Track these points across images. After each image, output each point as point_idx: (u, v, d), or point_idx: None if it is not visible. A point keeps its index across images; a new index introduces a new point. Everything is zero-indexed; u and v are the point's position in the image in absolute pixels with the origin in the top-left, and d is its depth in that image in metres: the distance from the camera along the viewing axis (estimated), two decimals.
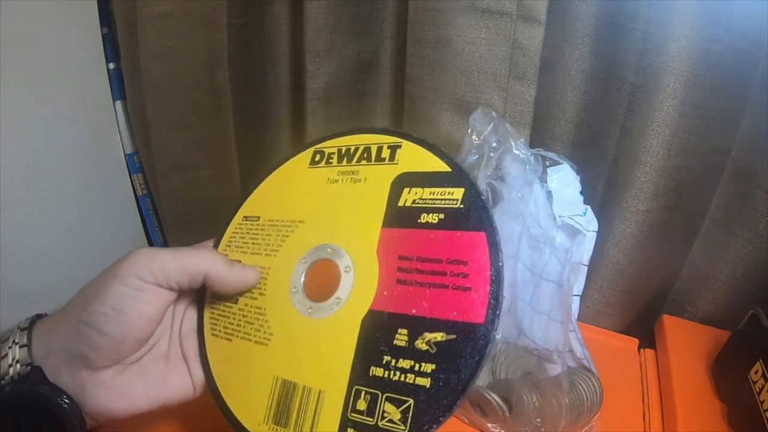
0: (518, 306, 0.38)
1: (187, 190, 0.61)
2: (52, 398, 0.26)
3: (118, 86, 0.59)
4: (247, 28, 0.52)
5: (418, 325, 0.25)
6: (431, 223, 0.27)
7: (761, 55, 0.40)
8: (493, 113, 0.39)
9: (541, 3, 0.42)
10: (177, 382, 0.30)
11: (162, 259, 0.28)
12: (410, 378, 0.24)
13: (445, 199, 0.27)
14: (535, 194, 0.38)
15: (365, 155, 0.31)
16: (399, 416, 0.24)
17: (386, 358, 0.25)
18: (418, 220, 0.27)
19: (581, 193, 0.43)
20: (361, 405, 0.25)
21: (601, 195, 0.49)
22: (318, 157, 0.33)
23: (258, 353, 0.29)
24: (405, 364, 0.24)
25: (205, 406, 0.29)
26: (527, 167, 0.38)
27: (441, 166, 0.29)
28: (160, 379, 0.29)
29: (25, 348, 0.27)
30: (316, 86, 0.51)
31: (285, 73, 0.55)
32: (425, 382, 0.24)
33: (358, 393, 0.25)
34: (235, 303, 0.31)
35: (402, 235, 0.28)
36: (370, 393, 0.25)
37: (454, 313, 0.24)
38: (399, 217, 0.28)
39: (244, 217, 0.34)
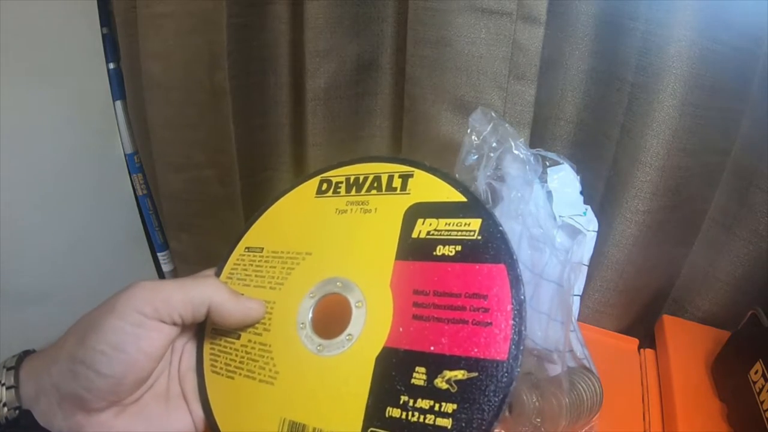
0: None
1: (187, 190, 0.61)
2: None
3: (118, 86, 0.59)
4: (247, 28, 0.52)
5: (437, 363, 0.24)
6: (447, 255, 0.26)
7: (761, 55, 0.39)
8: (493, 113, 0.39)
9: (541, 3, 0.42)
10: (178, 422, 0.28)
11: (164, 291, 0.26)
12: (430, 419, 0.23)
13: (462, 230, 0.26)
14: (535, 194, 0.38)
15: (375, 185, 0.30)
16: None
17: (403, 398, 0.23)
18: (434, 253, 0.26)
19: (581, 193, 0.43)
20: None
21: (601, 195, 0.49)
22: (325, 186, 0.32)
23: (263, 393, 0.27)
24: (424, 404, 0.23)
25: None
26: (527, 167, 0.38)
27: (456, 196, 0.28)
28: (161, 420, 0.27)
29: (13, 389, 0.25)
30: (316, 86, 0.51)
31: (285, 73, 0.55)
32: (446, 423, 0.22)
33: None
34: (238, 339, 0.29)
35: (417, 269, 0.26)
36: None
37: (475, 350, 0.23)
38: (413, 250, 0.27)
39: (246, 248, 0.32)
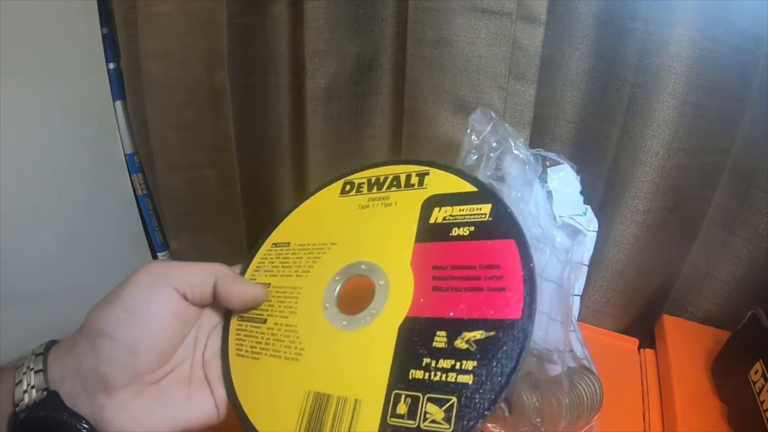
0: None
1: (187, 190, 0.61)
2: (71, 424, 0.25)
3: (118, 86, 0.59)
4: (247, 28, 0.52)
5: (456, 326, 0.25)
6: (462, 235, 0.28)
7: (761, 55, 0.39)
8: (493, 113, 0.39)
9: (541, 3, 0.42)
10: (199, 406, 0.28)
11: (175, 264, 0.29)
12: (452, 377, 0.24)
13: (474, 214, 0.29)
14: (535, 194, 0.38)
15: (395, 183, 0.33)
16: (442, 415, 0.23)
17: (426, 360, 0.25)
18: (450, 234, 0.29)
19: (581, 193, 0.43)
20: (401, 409, 0.24)
21: (601, 195, 0.49)
22: (348, 187, 0.35)
23: (288, 369, 0.28)
24: (446, 363, 0.24)
25: (229, 424, 0.28)
26: (527, 167, 0.38)
27: (468, 187, 0.31)
28: (182, 403, 0.28)
29: (41, 373, 0.26)
30: (316, 86, 0.51)
31: (285, 73, 0.55)
32: (467, 378, 0.24)
33: (397, 397, 0.24)
34: (264, 323, 0.31)
35: (435, 248, 0.29)
36: (411, 396, 0.24)
37: (492, 312, 0.25)
38: (431, 233, 0.30)
39: (273, 244, 0.34)
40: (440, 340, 0.25)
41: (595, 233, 0.44)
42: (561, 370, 0.36)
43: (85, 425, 0.25)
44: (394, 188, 0.33)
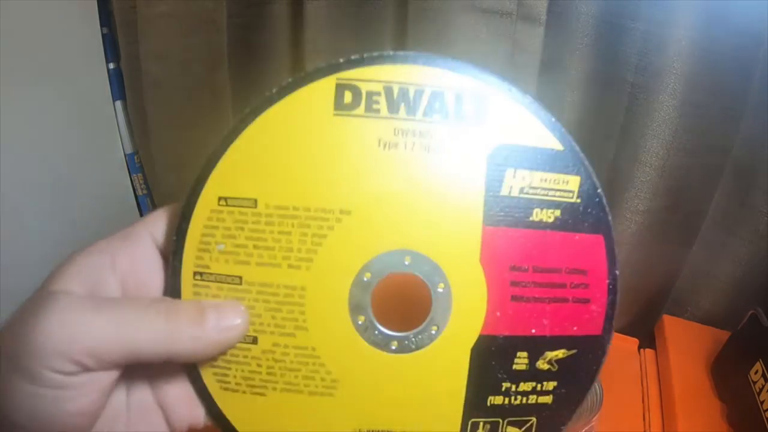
0: None
1: None
2: None
3: (118, 86, 0.59)
4: (247, 28, 0.52)
5: (538, 346, 0.22)
6: (546, 222, 0.21)
7: (761, 55, 0.39)
8: None
9: (541, 3, 0.42)
10: None
11: (91, 333, 0.17)
12: (532, 399, 0.22)
13: (560, 190, 0.22)
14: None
15: (437, 105, 0.20)
16: None
17: (505, 385, 0.22)
18: (530, 218, 0.21)
19: None
20: None
21: None
22: (349, 96, 0.20)
23: (321, 407, 0.22)
24: (526, 387, 0.22)
25: None
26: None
27: (551, 141, 0.21)
28: None
29: None
30: None
31: (285, 72, 0.55)
32: (547, 399, 0.22)
33: (475, 425, 0.22)
34: (254, 343, 0.21)
35: (511, 238, 0.21)
36: (490, 422, 0.23)
37: (575, 328, 0.22)
38: (504, 212, 0.21)
39: (221, 198, 0.21)
40: (521, 362, 0.22)
41: None
42: None
43: None
44: (437, 116, 0.20)
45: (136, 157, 0.63)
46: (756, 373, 0.36)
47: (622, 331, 0.49)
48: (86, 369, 0.17)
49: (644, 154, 0.43)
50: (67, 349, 0.17)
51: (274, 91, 0.20)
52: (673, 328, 0.47)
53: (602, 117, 0.47)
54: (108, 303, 0.18)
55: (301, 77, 0.21)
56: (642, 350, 0.47)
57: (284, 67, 0.54)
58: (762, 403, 0.34)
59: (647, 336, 0.48)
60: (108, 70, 0.58)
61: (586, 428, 0.37)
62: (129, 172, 0.63)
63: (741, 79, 0.41)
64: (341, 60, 0.21)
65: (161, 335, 0.18)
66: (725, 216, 0.46)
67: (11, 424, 0.17)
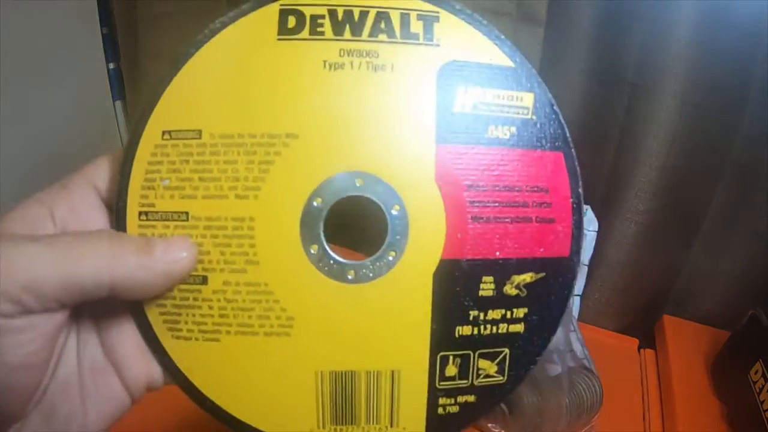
0: None
1: None
2: None
3: (118, 86, 0.59)
4: None
5: (505, 269, 0.21)
6: (502, 139, 0.21)
7: (761, 55, 0.39)
8: None
9: (541, 3, 0.42)
10: (108, 400, 0.19)
11: (31, 269, 0.16)
12: (503, 328, 0.21)
13: (514, 107, 0.21)
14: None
15: (383, 26, 0.20)
16: (495, 369, 0.22)
17: (473, 313, 0.21)
18: (486, 135, 0.21)
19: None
20: (451, 371, 0.21)
21: (601, 195, 0.48)
22: (292, 21, 0.20)
23: (276, 348, 0.21)
24: (495, 314, 0.21)
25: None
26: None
27: (501, 58, 0.21)
28: (76, 412, 0.19)
29: None
30: None
31: None
32: (519, 328, 0.21)
33: (444, 359, 0.21)
34: (204, 283, 0.20)
35: (467, 155, 0.21)
36: (460, 355, 0.21)
37: (541, 250, 0.21)
38: (458, 129, 0.21)
39: (165, 132, 0.20)
40: (487, 287, 0.21)
41: (595, 233, 0.44)
42: (561, 370, 0.36)
43: None
44: (383, 36, 0.20)
45: None
46: (756, 373, 0.36)
47: (622, 331, 0.49)
48: (27, 309, 0.16)
49: (644, 154, 0.43)
50: (2, 285, 0.15)
51: (217, 22, 0.21)
52: (673, 328, 0.47)
53: (602, 117, 0.47)
54: (47, 236, 0.17)
55: (244, 8, 0.21)
56: (642, 350, 0.47)
57: None
58: (762, 403, 0.35)
59: (647, 336, 0.48)
60: (108, 70, 0.58)
61: (586, 428, 0.37)
62: None
63: (741, 79, 0.41)
64: None
65: (104, 261, 0.17)
66: (725, 216, 0.46)
67: None
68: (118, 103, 0.60)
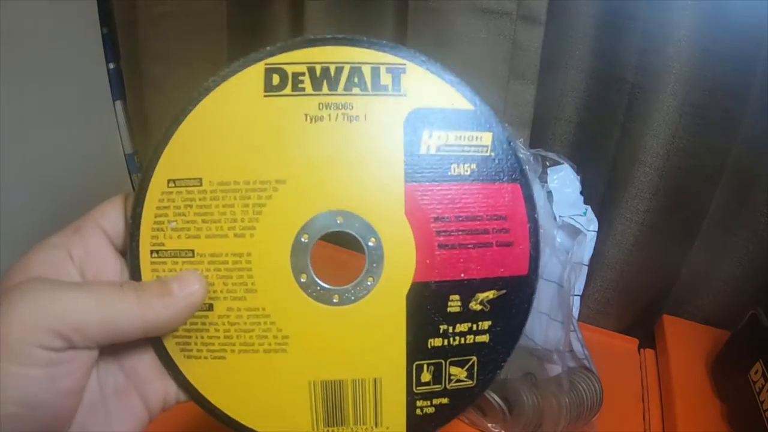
0: None
1: None
2: None
3: (118, 86, 0.59)
4: (247, 28, 0.52)
5: (469, 288, 0.24)
6: (464, 175, 0.24)
7: (761, 56, 0.39)
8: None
9: (541, 3, 0.42)
10: (131, 419, 0.22)
11: (74, 309, 0.18)
12: (470, 339, 0.25)
13: (474, 146, 0.24)
14: (535, 194, 0.38)
15: (356, 80, 0.23)
16: (465, 374, 0.25)
17: (443, 327, 0.24)
18: (449, 173, 0.24)
19: (581, 193, 0.43)
20: (426, 377, 0.25)
21: (601, 195, 0.49)
22: (276, 79, 0.23)
23: (274, 363, 0.24)
24: (463, 327, 0.24)
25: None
26: (527, 167, 0.38)
27: (461, 102, 0.24)
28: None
29: None
30: None
31: None
32: (484, 338, 0.25)
33: (419, 368, 0.25)
34: (210, 310, 0.24)
35: (432, 192, 0.24)
36: (433, 364, 0.25)
37: (502, 270, 0.24)
38: (424, 169, 0.24)
39: (170, 181, 0.23)
40: (454, 304, 0.24)
41: (595, 233, 0.44)
42: (561, 370, 0.36)
43: None
44: (356, 90, 0.23)
45: (136, 157, 0.63)
46: (756, 373, 0.36)
47: (622, 331, 0.50)
48: (72, 345, 0.18)
49: (644, 154, 0.43)
50: (57, 324, 0.18)
51: (210, 81, 0.23)
52: (673, 328, 0.47)
53: (602, 117, 0.47)
54: (87, 284, 0.20)
55: (234, 67, 0.23)
56: (642, 350, 0.47)
57: None
58: (762, 403, 0.35)
59: (647, 336, 0.48)
60: (108, 70, 0.58)
61: (586, 428, 0.37)
62: (129, 172, 0.63)
63: (741, 79, 0.41)
64: (268, 48, 0.23)
65: (136, 310, 0.20)
66: (725, 216, 0.46)
67: (4, 418, 0.17)
68: (118, 103, 0.60)
